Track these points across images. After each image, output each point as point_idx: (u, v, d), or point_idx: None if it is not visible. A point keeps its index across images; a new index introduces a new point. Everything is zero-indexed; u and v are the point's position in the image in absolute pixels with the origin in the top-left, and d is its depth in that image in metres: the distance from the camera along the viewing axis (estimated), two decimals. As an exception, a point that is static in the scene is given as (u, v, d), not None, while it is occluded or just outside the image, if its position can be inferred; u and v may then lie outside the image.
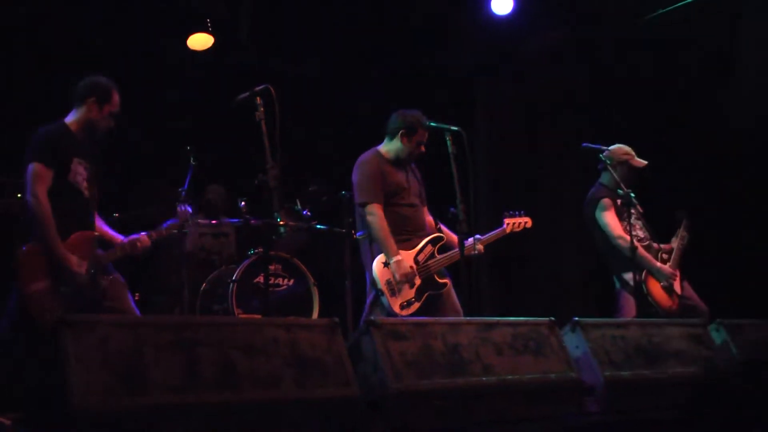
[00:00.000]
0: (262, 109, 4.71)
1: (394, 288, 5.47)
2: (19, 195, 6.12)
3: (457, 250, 5.56)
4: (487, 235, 5.97)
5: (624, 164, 6.39)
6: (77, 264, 4.60)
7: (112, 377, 3.19)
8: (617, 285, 6.32)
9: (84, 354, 3.18)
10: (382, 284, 5.48)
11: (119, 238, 5.05)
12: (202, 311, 6.77)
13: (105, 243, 5.00)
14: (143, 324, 3.42)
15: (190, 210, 5.45)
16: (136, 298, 6.08)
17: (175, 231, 5.49)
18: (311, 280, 6.80)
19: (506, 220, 6.09)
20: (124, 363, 3.24)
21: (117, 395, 3.16)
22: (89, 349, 3.20)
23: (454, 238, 5.67)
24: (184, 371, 3.34)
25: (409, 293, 5.50)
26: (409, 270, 5.51)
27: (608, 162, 6.30)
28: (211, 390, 3.35)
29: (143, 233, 5.07)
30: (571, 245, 8.79)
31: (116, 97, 4.94)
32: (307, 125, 8.32)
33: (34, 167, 4.64)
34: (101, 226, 5.10)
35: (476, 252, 5.73)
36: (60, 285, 4.56)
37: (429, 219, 5.94)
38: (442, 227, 5.92)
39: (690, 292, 6.32)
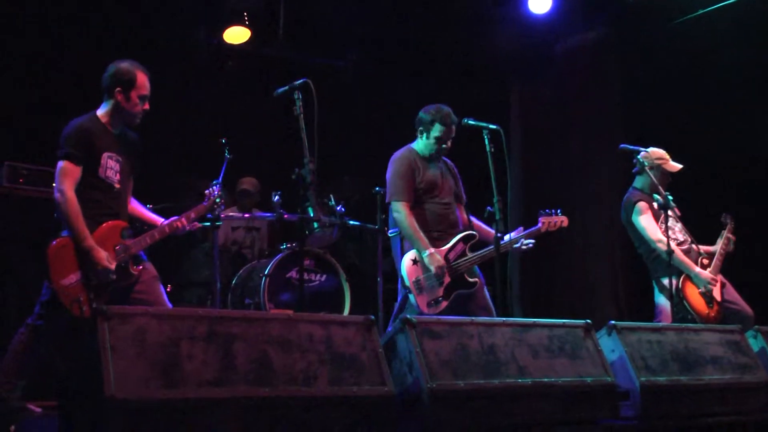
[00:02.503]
0: (300, 103, 4.67)
1: (422, 286, 5.44)
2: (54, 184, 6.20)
3: (489, 248, 5.52)
4: (522, 233, 5.89)
5: (658, 168, 6.32)
6: (106, 258, 4.58)
7: (148, 369, 3.20)
8: (656, 290, 6.25)
9: (120, 345, 3.20)
10: (410, 282, 5.46)
11: (159, 220, 5.03)
12: (233, 305, 6.78)
13: (144, 227, 4.99)
14: (179, 317, 3.41)
15: (218, 190, 5.36)
16: (168, 290, 6.09)
17: (206, 214, 5.42)
18: (343, 275, 6.77)
19: (542, 219, 5.99)
20: (160, 355, 3.25)
21: (152, 387, 3.16)
22: (126, 341, 3.22)
23: (491, 234, 5.64)
24: (220, 365, 3.34)
25: (438, 291, 5.47)
26: (444, 262, 5.47)
27: (645, 164, 6.23)
28: (245, 384, 3.34)
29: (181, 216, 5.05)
30: (603, 245, 8.72)
31: (141, 79, 4.85)
32: (342, 119, 8.29)
33: (62, 164, 4.63)
34: (140, 209, 5.10)
35: (522, 246, 5.69)
36: (90, 276, 4.56)
37: (463, 216, 5.89)
38: (479, 223, 5.87)
39: (734, 295, 6.24)
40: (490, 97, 9.17)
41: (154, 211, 5.41)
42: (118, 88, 4.80)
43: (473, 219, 5.91)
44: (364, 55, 8.79)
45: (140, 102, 4.85)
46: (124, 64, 4.86)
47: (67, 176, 4.61)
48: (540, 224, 5.94)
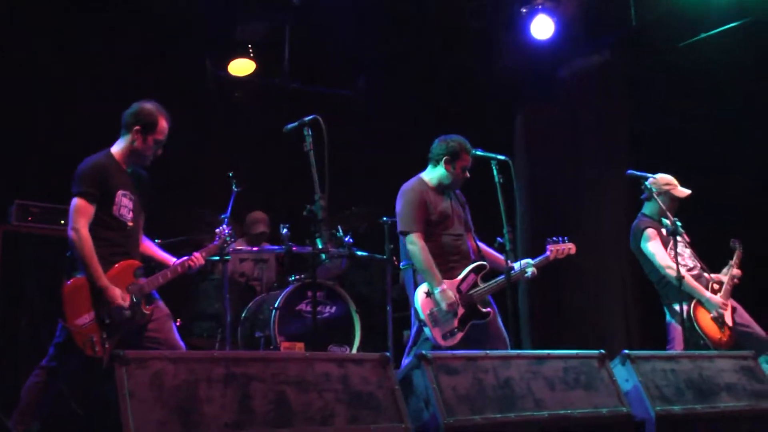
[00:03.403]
0: (310, 139, 4.68)
1: (436, 318, 5.44)
2: (62, 222, 6.22)
3: (501, 278, 5.52)
4: (531, 263, 5.87)
5: (666, 194, 6.33)
6: (120, 297, 4.59)
7: (167, 413, 3.21)
8: (668, 316, 6.24)
9: (138, 390, 3.21)
10: (424, 315, 5.45)
11: (171, 260, 5.03)
12: (243, 338, 6.76)
13: (156, 266, 5.00)
14: (196, 359, 3.42)
15: (228, 230, 5.40)
16: (178, 323, 6.09)
17: (216, 255, 5.46)
18: (353, 306, 6.77)
19: (550, 247, 5.99)
20: (178, 398, 3.26)
21: (172, 430, 3.16)
22: (143, 385, 3.23)
23: (499, 259, 5.65)
24: (238, 406, 3.35)
25: (452, 323, 5.46)
26: (455, 299, 5.48)
27: (653, 190, 6.25)
28: (264, 426, 3.35)
29: (194, 253, 5.05)
30: (613, 271, 8.71)
31: (162, 124, 4.87)
32: (348, 149, 8.33)
33: (77, 202, 4.64)
34: (153, 248, 5.11)
35: (529, 275, 5.68)
36: (104, 316, 4.56)
37: (473, 245, 5.90)
38: (488, 250, 5.87)
39: (746, 318, 6.23)
40: (496, 123, 9.22)
41: (163, 245, 5.42)
42: (137, 127, 4.81)
43: (482, 245, 5.91)
44: (369, 84, 8.83)
45: (155, 146, 4.88)
46: (149, 106, 4.88)
47: (81, 215, 4.61)
48: (548, 252, 5.94)
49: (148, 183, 5.07)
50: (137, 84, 7.35)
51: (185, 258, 4.99)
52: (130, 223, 4.83)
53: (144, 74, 7.59)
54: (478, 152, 5.62)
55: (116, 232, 4.76)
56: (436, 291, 5.45)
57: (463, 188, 5.99)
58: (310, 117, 4.73)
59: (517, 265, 5.60)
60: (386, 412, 3.67)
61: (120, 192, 4.78)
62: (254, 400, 3.39)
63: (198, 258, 5.00)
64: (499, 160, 5.47)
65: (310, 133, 4.71)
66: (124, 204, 4.80)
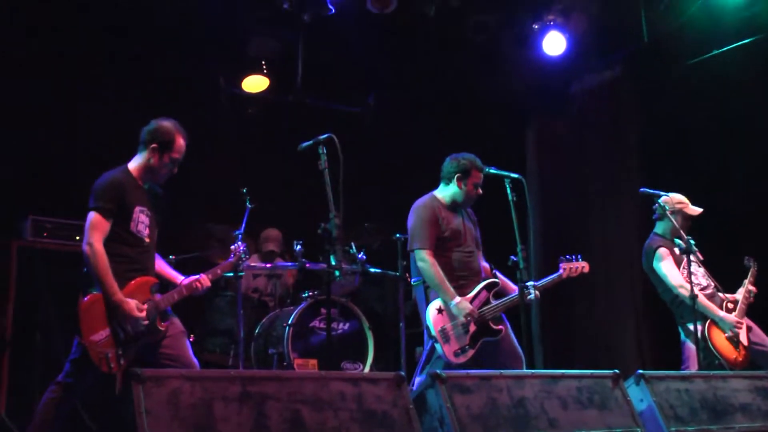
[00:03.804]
0: (325, 158, 4.69)
1: (448, 335, 5.44)
2: (77, 238, 6.26)
3: (513, 295, 5.53)
4: (543, 281, 5.84)
5: (679, 213, 6.33)
6: (137, 309, 4.60)
7: (183, 431, 3.21)
8: (682, 335, 6.23)
9: (155, 408, 3.23)
10: (436, 331, 5.45)
11: (179, 279, 5.03)
12: (256, 354, 6.78)
13: (166, 283, 5.00)
14: (212, 378, 3.44)
15: (243, 248, 5.42)
16: (191, 339, 6.11)
17: (231, 272, 5.47)
18: (366, 323, 6.78)
19: (563, 265, 5.95)
20: (194, 417, 3.28)
21: (188, 450, 3.18)
22: (160, 404, 3.25)
23: (509, 285, 5.66)
24: (254, 425, 3.36)
25: (464, 340, 5.46)
26: (472, 309, 5.48)
27: (666, 209, 6.26)
28: (280, 445, 3.35)
29: (201, 274, 5.07)
30: (625, 290, 8.69)
31: (179, 143, 4.88)
32: (361, 165, 8.36)
33: (92, 217, 4.63)
34: (162, 266, 5.09)
35: (533, 297, 5.67)
36: (120, 332, 4.57)
37: (484, 265, 5.91)
38: (497, 273, 5.88)
39: (762, 337, 6.21)
40: (508, 140, 9.24)
41: (175, 262, 5.44)
42: (154, 145, 4.83)
43: (485, 264, 5.91)
44: (383, 100, 8.87)
45: (171, 164, 4.89)
46: (166, 124, 4.89)
47: (96, 229, 4.61)
48: (561, 270, 5.91)
49: (164, 200, 5.08)
50: (152, 100, 7.40)
51: (193, 278, 4.99)
52: (147, 240, 4.84)
53: (159, 91, 7.64)
54: (491, 170, 5.64)
55: (133, 249, 4.76)
56: (452, 304, 5.45)
57: (476, 207, 6.00)
58: (325, 135, 4.73)
59: (530, 284, 5.61)
60: (401, 431, 3.67)
61: (138, 208, 4.78)
62: (269, 419, 3.40)
63: (204, 280, 4.99)
64: (512, 178, 5.49)
65: (324, 151, 4.71)
66: (142, 220, 4.80)
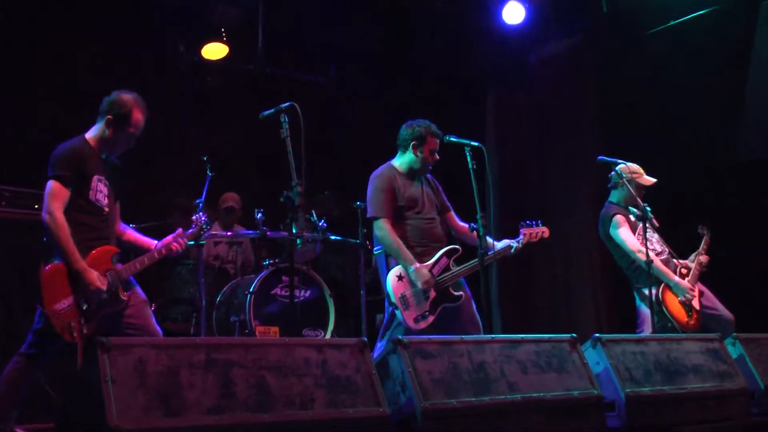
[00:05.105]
0: (287, 126, 4.70)
1: (408, 302, 5.50)
2: (36, 206, 6.18)
3: (473, 261, 5.59)
4: (503, 246, 5.93)
5: (632, 182, 6.42)
6: (98, 279, 4.59)
7: (149, 398, 3.24)
8: (637, 300, 6.37)
9: (121, 376, 3.24)
10: (396, 298, 5.50)
11: (152, 243, 5.02)
12: (218, 322, 6.80)
13: (138, 252, 4.99)
14: (178, 345, 3.46)
15: (205, 218, 5.41)
16: (153, 308, 6.10)
17: (192, 241, 5.46)
18: (327, 290, 6.82)
19: (523, 231, 5.99)
20: (160, 384, 3.29)
21: (154, 416, 3.21)
22: (126, 372, 3.26)
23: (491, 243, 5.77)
24: (219, 392, 3.39)
25: (424, 306, 5.52)
26: (430, 277, 5.54)
27: (623, 177, 6.36)
28: (246, 411, 3.39)
29: (169, 236, 5.03)
30: (583, 255, 8.83)
31: (137, 117, 4.82)
32: (322, 133, 8.36)
33: (51, 185, 4.60)
34: (132, 233, 5.09)
35: (514, 250, 5.78)
36: (82, 301, 4.57)
37: (462, 225, 5.94)
38: (465, 225, 5.90)
39: (713, 301, 6.38)
40: (467, 108, 9.28)
41: (136, 230, 5.41)
42: (110, 117, 4.79)
43: (462, 224, 5.94)
44: (343, 69, 8.86)
45: (127, 138, 4.86)
46: (126, 97, 4.83)
47: (56, 198, 4.57)
48: (521, 236, 5.98)
49: (120, 170, 5.03)
50: (111, 68, 7.33)
51: (168, 239, 4.99)
52: (106, 209, 4.80)
53: (117, 58, 7.56)
54: (452, 139, 5.68)
55: (93, 217, 4.74)
56: (410, 270, 5.51)
57: (435, 175, 6.05)
58: (287, 104, 4.74)
59: (500, 244, 5.72)
60: (364, 396, 3.73)
61: (96, 177, 4.75)
62: (235, 386, 3.43)
63: (182, 242, 5.01)
64: (473, 146, 5.54)
65: (286, 119, 4.73)
66: (100, 189, 4.77)
